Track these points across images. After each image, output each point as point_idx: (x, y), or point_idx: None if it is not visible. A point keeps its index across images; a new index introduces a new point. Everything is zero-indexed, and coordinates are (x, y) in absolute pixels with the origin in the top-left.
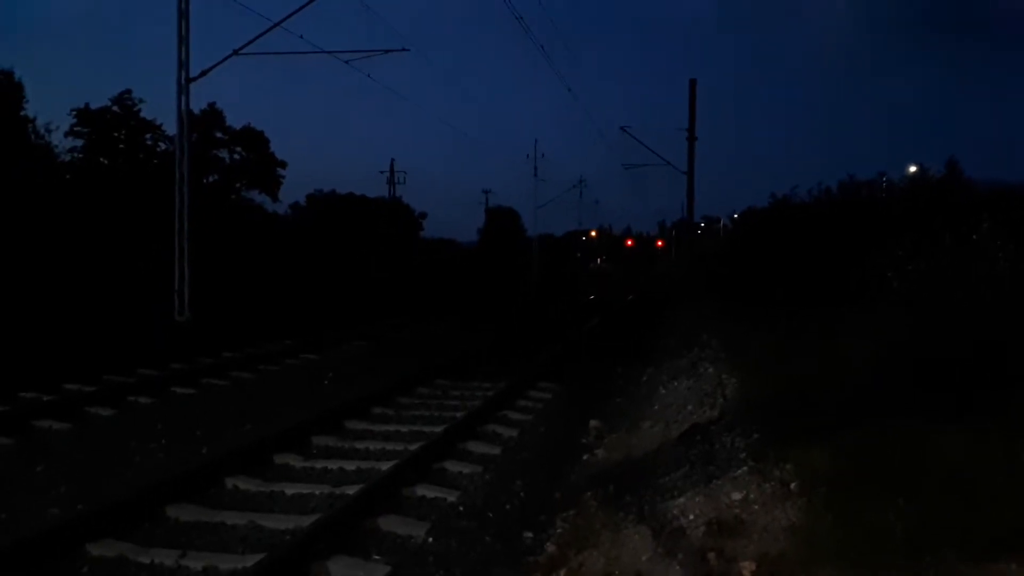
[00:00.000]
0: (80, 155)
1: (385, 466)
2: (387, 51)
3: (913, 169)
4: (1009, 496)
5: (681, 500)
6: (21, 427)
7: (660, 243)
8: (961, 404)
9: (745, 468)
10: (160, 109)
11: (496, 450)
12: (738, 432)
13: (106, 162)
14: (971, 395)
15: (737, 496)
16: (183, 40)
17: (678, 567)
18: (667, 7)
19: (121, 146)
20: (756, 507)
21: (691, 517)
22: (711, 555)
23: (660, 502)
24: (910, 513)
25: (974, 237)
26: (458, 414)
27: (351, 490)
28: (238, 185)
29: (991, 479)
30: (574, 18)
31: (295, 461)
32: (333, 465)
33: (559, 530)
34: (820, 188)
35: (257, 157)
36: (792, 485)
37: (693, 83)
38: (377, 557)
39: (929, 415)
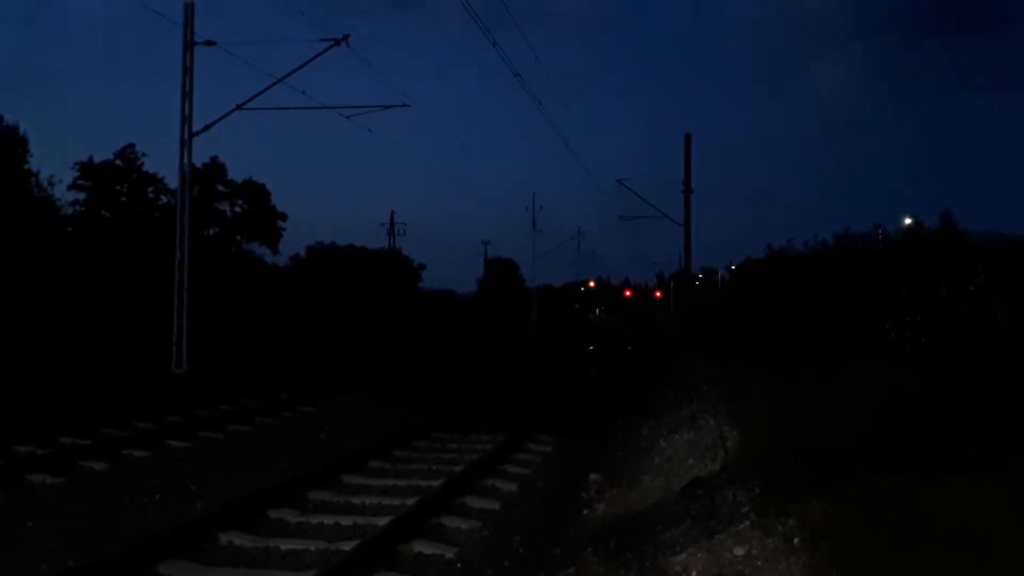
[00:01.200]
0: (82, 208)
1: (382, 521)
2: (388, 106)
3: (909, 221)
4: (1013, 549)
5: (683, 556)
6: (14, 481)
7: (658, 294)
8: (961, 452)
9: (747, 522)
10: (162, 162)
11: (495, 505)
12: (740, 485)
13: (108, 215)
14: (970, 443)
15: (740, 551)
16: (187, 95)
17: None
18: (665, 61)
19: (123, 199)
20: (759, 563)
21: (693, 573)
22: None
23: (662, 558)
24: (914, 568)
25: (971, 288)
26: (456, 468)
27: (347, 546)
28: (239, 238)
29: (994, 531)
30: (571, 71)
31: (291, 516)
32: (329, 520)
33: None
34: (816, 240)
35: (258, 210)
36: (795, 539)
37: (688, 137)
38: None
39: (930, 464)
